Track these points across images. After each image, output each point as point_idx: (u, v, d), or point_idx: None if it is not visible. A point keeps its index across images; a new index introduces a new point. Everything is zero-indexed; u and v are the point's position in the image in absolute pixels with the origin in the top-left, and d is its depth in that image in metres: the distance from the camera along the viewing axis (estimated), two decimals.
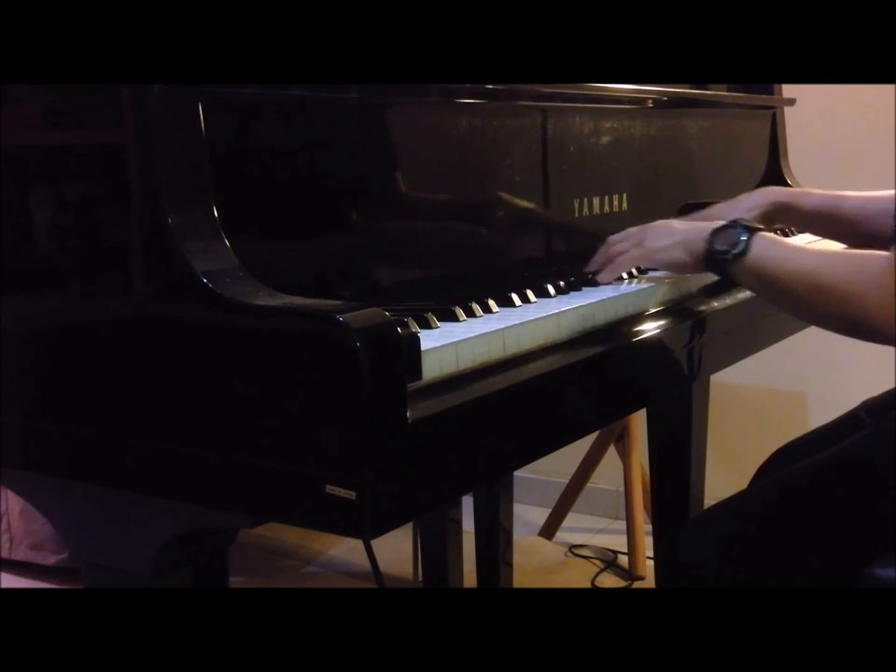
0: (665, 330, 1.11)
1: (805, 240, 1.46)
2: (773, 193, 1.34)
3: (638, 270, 1.25)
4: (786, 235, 1.47)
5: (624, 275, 1.22)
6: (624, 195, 1.38)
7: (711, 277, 1.25)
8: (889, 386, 1.31)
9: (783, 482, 1.16)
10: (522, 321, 0.95)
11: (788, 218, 1.35)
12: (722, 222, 1.10)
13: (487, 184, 1.19)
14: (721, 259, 1.08)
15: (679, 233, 1.14)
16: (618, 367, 1.05)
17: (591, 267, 1.21)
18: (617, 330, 1.07)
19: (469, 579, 1.86)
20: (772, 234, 1.09)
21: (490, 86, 1.14)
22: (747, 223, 1.08)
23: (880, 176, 1.97)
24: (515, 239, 1.23)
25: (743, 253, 1.06)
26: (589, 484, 2.38)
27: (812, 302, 1.02)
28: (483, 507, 1.79)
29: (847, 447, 1.15)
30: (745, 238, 1.06)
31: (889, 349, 2.07)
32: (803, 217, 1.34)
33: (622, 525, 2.29)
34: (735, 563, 1.09)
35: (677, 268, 1.16)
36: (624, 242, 1.19)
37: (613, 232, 1.27)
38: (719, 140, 1.64)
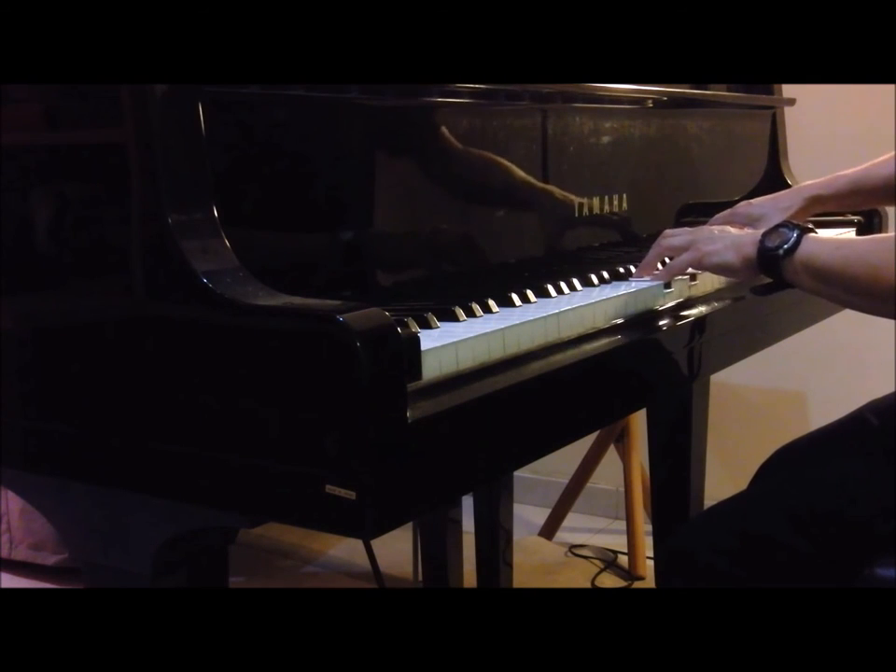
0: (665, 330, 1.11)
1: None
2: (807, 188, 1.37)
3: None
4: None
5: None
6: (624, 195, 1.38)
7: (712, 281, 1.25)
8: (890, 386, 1.31)
9: (787, 482, 1.16)
10: (522, 321, 0.95)
11: (823, 206, 1.39)
12: (771, 226, 1.12)
13: (487, 184, 1.19)
14: (774, 256, 1.09)
15: (730, 237, 1.16)
16: (618, 367, 1.05)
17: (644, 267, 1.21)
18: (617, 330, 1.07)
19: (469, 579, 1.86)
20: (820, 235, 1.10)
21: (490, 86, 1.14)
22: (795, 223, 1.10)
23: None
24: (515, 239, 1.23)
25: (794, 248, 1.07)
26: (589, 484, 2.38)
27: (866, 285, 1.02)
28: (483, 507, 1.79)
29: (853, 448, 1.15)
30: (795, 234, 1.08)
31: (890, 349, 2.07)
32: (838, 202, 1.38)
33: (622, 524, 2.29)
34: (735, 562, 1.09)
35: (727, 271, 1.17)
36: (677, 238, 1.19)
37: (613, 232, 1.27)
38: (719, 140, 1.64)
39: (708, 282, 1.25)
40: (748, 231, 1.17)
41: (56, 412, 0.90)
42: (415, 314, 0.90)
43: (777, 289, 1.16)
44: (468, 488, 1.20)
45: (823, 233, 1.11)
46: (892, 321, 1.06)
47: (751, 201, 1.37)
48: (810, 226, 1.10)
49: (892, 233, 1.04)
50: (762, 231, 1.12)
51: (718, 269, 1.17)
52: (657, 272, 1.19)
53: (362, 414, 0.72)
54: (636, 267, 1.25)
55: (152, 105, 0.81)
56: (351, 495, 0.72)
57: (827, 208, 1.42)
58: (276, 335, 0.76)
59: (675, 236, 1.20)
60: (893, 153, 1.33)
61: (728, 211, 1.35)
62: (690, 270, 1.19)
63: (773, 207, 1.33)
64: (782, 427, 2.19)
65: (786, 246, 1.07)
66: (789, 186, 1.76)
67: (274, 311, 0.77)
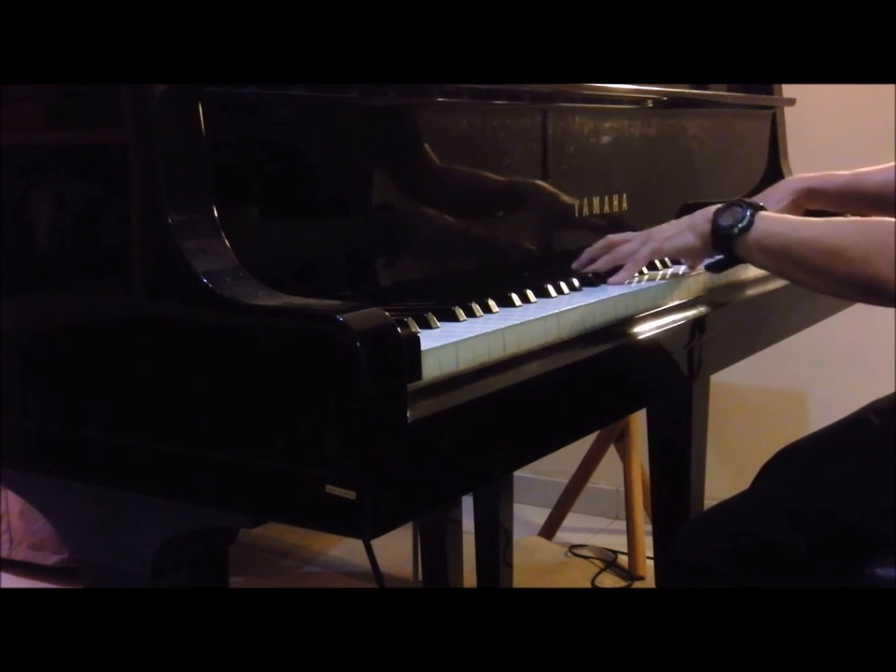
0: (665, 330, 1.11)
1: None
2: (798, 181, 1.38)
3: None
4: None
5: None
6: (624, 195, 1.38)
7: (712, 279, 1.25)
8: (891, 386, 1.31)
9: (788, 482, 1.16)
10: (522, 321, 0.95)
11: (815, 203, 1.39)
12: (723, 203, 1.13)
13: (487, 184, 1.19)
14: (727, 235, 1.10)
15: (684, 220, 1.18)
16: (618, 367, 1.05)
17: (598, 266, 1.21)
18: (617, 330, 1.07)
19: (469, 579, 1.86)
20: (773, 213, 1.11)
21: (490, 86, 1.14)
22: (749, 201, 1.11)
23: None
24: (515, 239, 1.23)
25: (748, 227, 1.09)
26: (589, 484, 2.38)
27: (823, 267, 1.03)
28: (483, 507, 1.79)
29: (855, 448, 1.15)
30: (749, 213, 1.09)
31: (890, 349, 2.07)
32: (829, 200, 1.39)
33: (622, 524, 2.29)
34: (736, 563, 1.09)
35: (689, 252, 1.18)
36: (631, 242, 1.20)
37: (613, 232, 1.27)
38: (719, 140, 1.64)
39: (709, 281, 1.25)
40: (700, 210, 1.18)
41: (56, 412, 0.90)
42: (415, 314, 0.90)
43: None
44: (468, 488, 1.20)
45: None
46: (892, 320, 1.06)
47: (742, 199, 1.38)
48: (761, 203, 1.11)
49: (850, 217, 1.05)
50: (715, 207, 1.13)
51: (680, 252, 1.19)
52: (620, 273, 1.19)
53: (362, 414, 0.72)
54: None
55: (152, 105, 0.81)
56: (351, 495, 0.72)
57: (818, 205, 1.43)
58: (276, 335, 0.76)
59: (626, 241, 1.21)
60: (891, 163, 1.33)
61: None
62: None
63: (764, 201, 1.34)
64: (782, 427, 2.19)
65: (741, 225, 1.09)
66: None
67: (274, 311, 0.77)
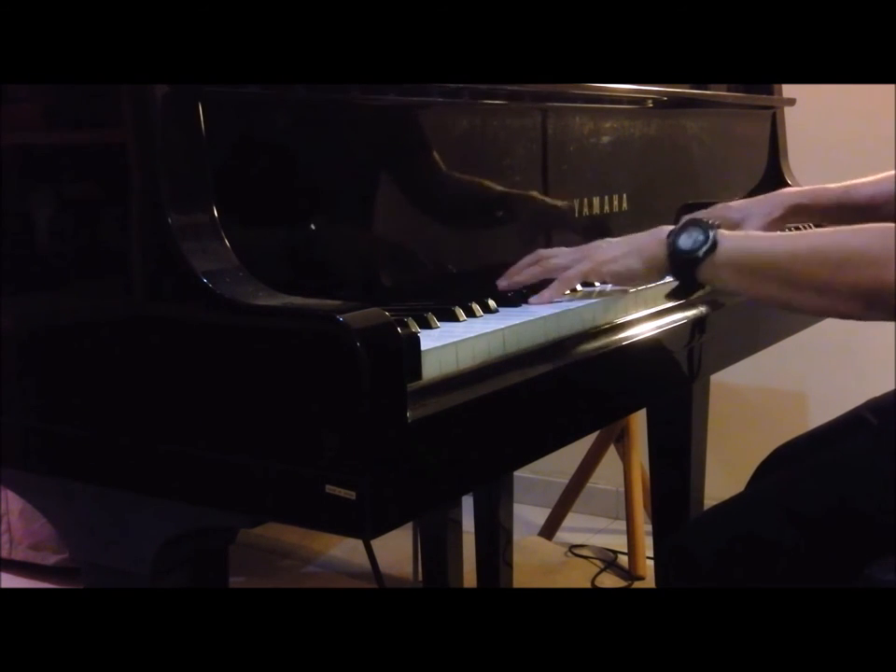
0: (665, 331, 1.11)
1: None
2: (789, 196, 1.32)
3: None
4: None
5: None
6: (624, 195, 1.38)
7: None
8: (890, 386, 1.31)
9: (786, 482, 1.16)
10: (522, 321, 0.95)
11: (805, 217, 1.35)
12: (672, 227, 1.06)
13: (487, 184, 1.19)
14: (690, 259, 1.02)
15: (628, 242, 1.09)
16: (618, 367, 1.05)
17: (519, 278, 1.10)
18: (617, 330, 1.07)
19: (469, 579, 1.86)
20: (731, 231, 1.04)
21: (490, 86, 1.14)
22: (703, 220, 1.03)
23: None
24: (515, 239, 1.23)
25: (712, 248, 1.01)
26: (589, 484, 2.38)
27: (822, 280, 0.96)
28: (483, 507, 1.79)
29: (852, 447, 1.15)
30: (711, 233, 1.01)
31: (889, 349, 2.07)
32: (820, 214, 1.34)
33: (622, 524, 2.29)
34: (735, 563, 1.09)
35: (628, 278, 1.10)
36: (563, 257, 1.11)
37: (613, 232, 1.27)
38: (719, 140, 1.64)
39: None
40: (644, 233, 1.10)
41: (56, 412, 0.90)
42: (415, 314, 0.90)
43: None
44: (468, 488, 1.20)
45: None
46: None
47: (729, 203, 1.32)
48: (717, 223, 1.03)
49: (856, 225, 0.99)
50: (665, 230, 1.06)
51: (619, 277, 1.10)
52: (544, 292, 1.07)
53: (362, 414, 0.72)
54: None
55: (152, 105, 0.81)
56: (351, 495, 0.72)
57: (809, 220, 1.39)
58: (276, 335, 0.76)
59: (557, 256, 1.10)
60: (880, 175, 1.31)
61: (703, 212, 1.28)
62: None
63: (753, 212, 1.29)
64: (782, 427, 2.18)
65: (705, 247, 1.01)
66: (788, 186, 1.77)
67: (274, 311, 0.77)
